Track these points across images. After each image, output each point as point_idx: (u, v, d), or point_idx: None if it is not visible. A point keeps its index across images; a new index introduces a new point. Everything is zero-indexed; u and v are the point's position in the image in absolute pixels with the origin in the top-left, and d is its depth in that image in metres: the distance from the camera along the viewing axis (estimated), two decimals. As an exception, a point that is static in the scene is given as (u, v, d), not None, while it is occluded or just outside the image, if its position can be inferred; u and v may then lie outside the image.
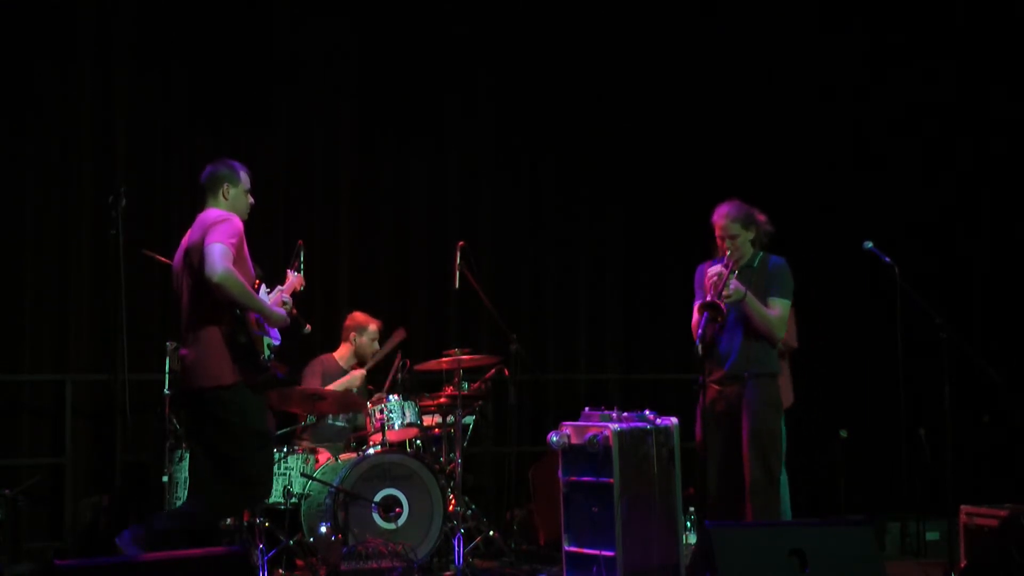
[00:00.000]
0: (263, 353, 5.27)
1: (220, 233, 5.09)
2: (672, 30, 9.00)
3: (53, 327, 7.42)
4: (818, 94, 9.09)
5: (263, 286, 5.43)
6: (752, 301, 5.77)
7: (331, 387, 7.15)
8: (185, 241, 5.32)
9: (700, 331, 5.63)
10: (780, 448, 5.87)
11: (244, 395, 5.18)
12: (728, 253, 5.84)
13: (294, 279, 5.66)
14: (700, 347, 5.67)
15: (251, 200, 5.46)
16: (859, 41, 9.15)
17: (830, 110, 9.09)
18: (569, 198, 8.97)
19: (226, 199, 5.35)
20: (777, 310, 5.83)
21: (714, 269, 5.80)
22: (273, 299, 5.40)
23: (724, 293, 5.69)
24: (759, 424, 5.73)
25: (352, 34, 8.32)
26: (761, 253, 5.96)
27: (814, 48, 9.08)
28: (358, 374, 7.30)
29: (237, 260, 5.11)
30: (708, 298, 5.72)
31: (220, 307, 5.14)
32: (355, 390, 7.22)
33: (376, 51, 8.36)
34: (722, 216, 5.94)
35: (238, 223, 5.23)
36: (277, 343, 5.42)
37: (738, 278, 5.79)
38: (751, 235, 5.93)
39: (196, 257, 5.14)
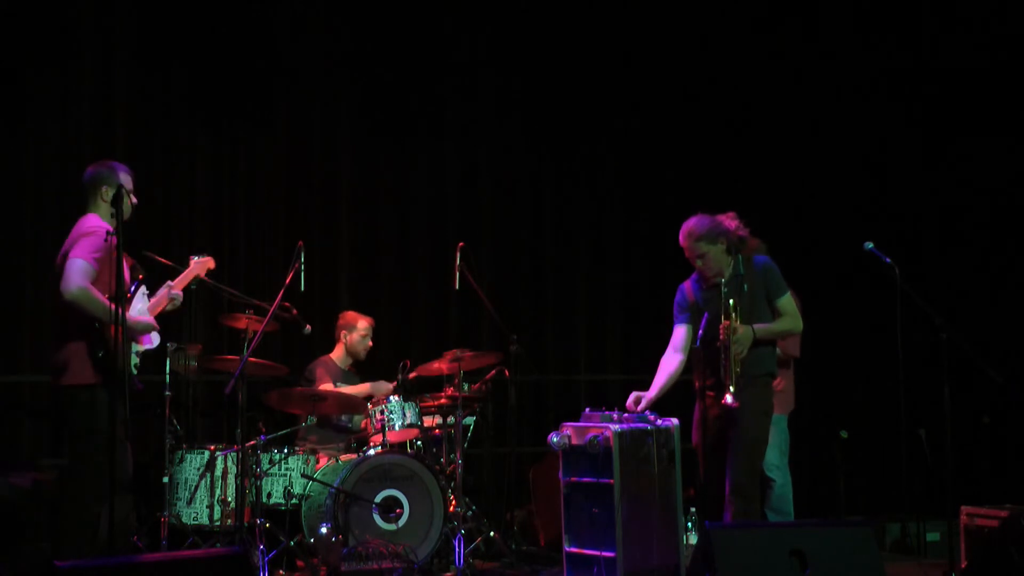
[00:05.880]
0: (127, 365, 5.18)
1: (83, 248, 5.11)
2: (672, 29, 9.00)
3: (53, 327, 7.42)
4: (820, 93, 9.08)
5: (142, 288, 5.41)
6: (761, 330, 5.61)
7: (354, 390, 7.18)
8: (65, 244, 5.29)
9: (701, 332, 5.59)
10: (764, 453, 5.83)
11: (98, 396, 5.14)
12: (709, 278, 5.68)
13: (195, 265, 5.72)
14: (699, 344, 5.62)
15: (134, 200, 5.40)
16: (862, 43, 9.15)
17: (832, 110, 9.08)
18: (569, 198, 8.96)
19: (104, 201, 5.33)
20: (787, 316, 5.70)
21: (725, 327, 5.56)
22: (160, 295, 5.39)
23: (735, 353, 5.51)
24: (748, 429, 5.63)
25: (352, 33, 8.31)
26: (741, 258, 5.71)
27: (812, 48, 9.09)
28: (386, 387, 7.29)
29: (101, 273, 5.09)
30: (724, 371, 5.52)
31: (82, 316, 5.13)
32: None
33: (376, 50, 8.36)
34: (685, 237, 5.69)
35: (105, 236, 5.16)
36: (150, 346, 5.44)
37: (728, 291, 5.60)
38: (722, 247, 5.66)
39: (62, 266, 5.16)
